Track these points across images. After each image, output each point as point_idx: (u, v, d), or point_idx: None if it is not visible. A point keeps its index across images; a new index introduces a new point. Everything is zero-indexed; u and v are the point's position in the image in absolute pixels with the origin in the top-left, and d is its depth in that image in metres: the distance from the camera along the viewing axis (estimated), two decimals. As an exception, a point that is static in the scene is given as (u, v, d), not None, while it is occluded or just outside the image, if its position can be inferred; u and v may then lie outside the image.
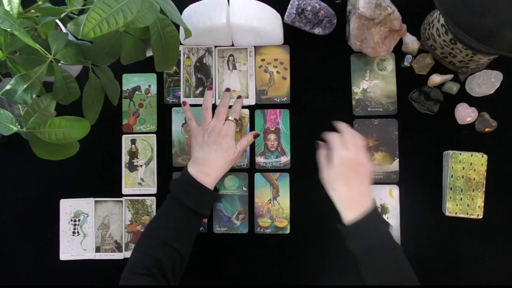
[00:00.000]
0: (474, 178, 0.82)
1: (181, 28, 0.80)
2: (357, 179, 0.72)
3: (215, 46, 0.87)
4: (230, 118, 0.82)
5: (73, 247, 0.87)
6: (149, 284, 0.65)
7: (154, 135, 0.88)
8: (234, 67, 0.86)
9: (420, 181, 0.85)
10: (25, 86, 0.54)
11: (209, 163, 0.77)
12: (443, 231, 0.84)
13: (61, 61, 0.60)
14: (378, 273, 0.67)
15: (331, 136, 0.77)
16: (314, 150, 0.83)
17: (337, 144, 0.75)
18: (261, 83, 0.88)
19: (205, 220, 0.87)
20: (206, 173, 0.76)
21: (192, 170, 0.76)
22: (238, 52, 0.86)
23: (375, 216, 0.70)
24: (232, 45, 0.88)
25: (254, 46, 0.88)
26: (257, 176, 0.87)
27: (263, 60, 0.88)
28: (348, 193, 0.72)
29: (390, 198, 0.85)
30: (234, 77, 0.87)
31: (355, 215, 0.69)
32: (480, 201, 0.82)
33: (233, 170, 0.87)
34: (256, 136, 0.85)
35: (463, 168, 0.82)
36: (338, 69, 0.88)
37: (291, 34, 0.88)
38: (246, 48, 0.85)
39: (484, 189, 0.82)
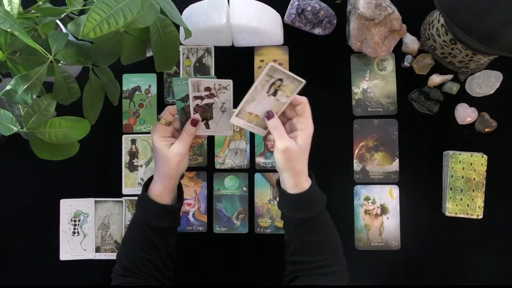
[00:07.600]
0: (474, 178, 0.82)
1: (181, 28, 0.80)
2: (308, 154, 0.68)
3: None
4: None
5: (73, 247, 0.87)
6: (132, 282, 0.67)
7: (154, 135, 0.88)
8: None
9: (420, 181, 0.85)
10: (25, 87, 0.54)
11: (155, 170, 0.71)
12: (443, 231, 0.84)
13: (61, 62, 0.60)
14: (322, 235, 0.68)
15: (307, 105, 0.66)
16: (314, 150, 0.83)
17: (309, 114, 0.66)
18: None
19: (205, 219, 0.87)
20: (154, 181, 0.70)
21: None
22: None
23: (316, 188, 0.70)
24: (232, 45, 0.88)
25: (254, 47, 0.88)
26: (257, 176, 0.87)
27: (262, 61, 0.88)
28: (305, 166, 0.68)
29: (390, 198, 0.85)
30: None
31: (309, 184, 0.67)
32: (480, 201, 0.82)
33: (233, 170, 0.87)
34: (194, 123, 0.67)
35: (463, 168, 0.82)
36: (338, 69, 0.88)
37: (291, 34, 0.88)
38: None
39: (484, 189, 0.82)
